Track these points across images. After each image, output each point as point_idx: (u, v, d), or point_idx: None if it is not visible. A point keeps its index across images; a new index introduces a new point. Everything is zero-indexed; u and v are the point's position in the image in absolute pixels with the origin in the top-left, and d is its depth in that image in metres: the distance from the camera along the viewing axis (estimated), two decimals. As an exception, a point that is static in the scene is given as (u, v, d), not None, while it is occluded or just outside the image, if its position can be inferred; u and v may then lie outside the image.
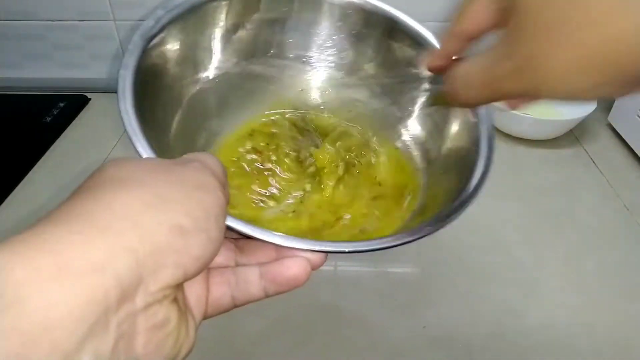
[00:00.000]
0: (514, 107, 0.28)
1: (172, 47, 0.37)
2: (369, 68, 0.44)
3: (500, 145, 0.58)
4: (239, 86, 0.42)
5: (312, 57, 0.44)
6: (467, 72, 0.24)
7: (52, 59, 0.69)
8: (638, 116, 0.57)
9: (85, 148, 0.58)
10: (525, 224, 0.49)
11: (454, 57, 0.28)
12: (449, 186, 0.34)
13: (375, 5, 0.42)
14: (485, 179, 0.31)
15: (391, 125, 0.42)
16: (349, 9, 0.43)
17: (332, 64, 0.45)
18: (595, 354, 0.38)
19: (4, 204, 0.51)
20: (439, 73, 0.29)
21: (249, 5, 0.41)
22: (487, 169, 0.32)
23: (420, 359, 0.38)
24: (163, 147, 0.32)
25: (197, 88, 0.40)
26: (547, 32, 0.18)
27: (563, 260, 0.46)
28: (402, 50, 0.42)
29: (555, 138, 0.61)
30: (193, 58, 0.39)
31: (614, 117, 0.63)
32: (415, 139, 0.41)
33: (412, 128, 0.41)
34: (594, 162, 0.58)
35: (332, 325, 0.40)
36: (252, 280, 0.24)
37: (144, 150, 0.27)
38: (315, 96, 0.44)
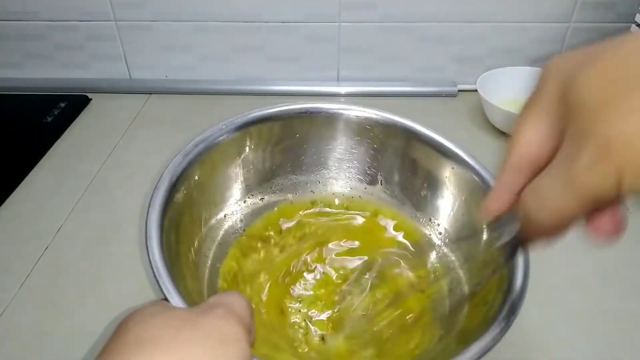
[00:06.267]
0: (603, 235, 0.22)
1: (197, 179, 0.39)
2: (389, 178, 0.45)
3: (499, 144, 0.58)
4: (260, 212, 0.44)
5: (331, 170, 0.46)
6: (540, 186, 0.20)
7: (53, 59, 0.70)
8: None
9: (86, 148, 0.58)
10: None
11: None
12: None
13: (390, 118, 0.43)
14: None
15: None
16: (365, 123, 0.44)
17: (353, 176, 0.46)
18: (595, 354, 0.38)
19: (4, 204, 0.51)
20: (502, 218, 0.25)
21: (266, 135, 0.43)
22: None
23: (420, 359, 0.38)
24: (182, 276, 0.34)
25: (218, 220, 0.42)
26: (615, 101, 0.17)
27: (563, 259, 0.46)
28: (423, 159, 0.42)
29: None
30: (216, 189, 0.42)
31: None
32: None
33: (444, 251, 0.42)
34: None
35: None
36: None
37: (172, 298, 0.28)
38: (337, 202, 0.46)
